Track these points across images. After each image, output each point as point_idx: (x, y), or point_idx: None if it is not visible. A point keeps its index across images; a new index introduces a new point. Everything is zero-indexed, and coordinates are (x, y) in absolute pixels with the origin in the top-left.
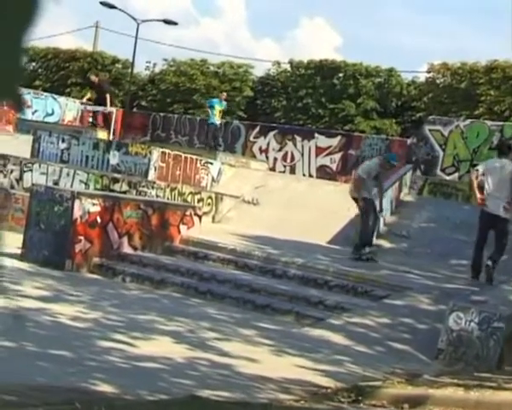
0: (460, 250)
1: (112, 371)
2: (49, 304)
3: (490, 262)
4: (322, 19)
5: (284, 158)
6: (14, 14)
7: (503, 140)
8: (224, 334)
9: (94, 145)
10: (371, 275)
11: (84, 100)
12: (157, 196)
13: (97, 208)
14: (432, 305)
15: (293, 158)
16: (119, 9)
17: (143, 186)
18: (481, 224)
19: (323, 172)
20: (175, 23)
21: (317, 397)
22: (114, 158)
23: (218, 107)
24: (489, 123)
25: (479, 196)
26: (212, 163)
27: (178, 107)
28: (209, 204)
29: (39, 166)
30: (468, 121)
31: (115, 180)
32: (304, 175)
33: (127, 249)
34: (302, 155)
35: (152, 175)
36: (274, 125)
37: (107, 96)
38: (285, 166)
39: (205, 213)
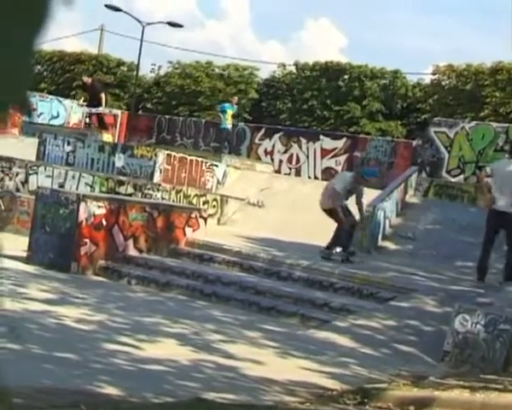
0: (466, 252)
1: (117, 374)
2: (55, 306)
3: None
4: (328, 20)
5: (289, 160)
6: (24, 16)
7: None
8: (230, 336)
9: (99, 148)
10: (377, 277)
11: (81, 102)
12: (162, 199)
13: (103, 211)
14: (438, 307)
15: (298, 160)
16: (124, 12)
17: (149, 189)
18: (489, 225)
19: (329, 175)
20: (180, 25)
21: (322, 399)
22: (120, 160)
23: (230, 111)
24: (494, 125)
25: (487, 195)
26: (217, 165)
27: (183, 109)
28: (214, 206)
29: (45, 168)
30: (473, 123)
31: (121, 183)
32: (309, 177)
33: (133, 252)
34: (307, 157)
35: (157, 177)
36: (279, 127)
37: (102, 96)
38: (290, 169)
39: (210, 216)
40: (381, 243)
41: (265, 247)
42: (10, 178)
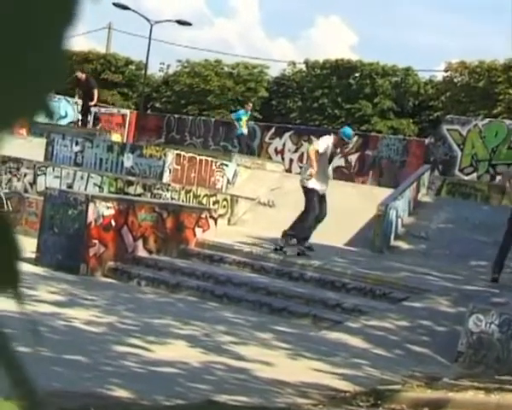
0: (479, 251)
1: (127, 376)
2: (64, 309)
3: None
4: (338, 17)
5: (300, 159)
6: (50, 12)
7: None
8: (241, 338)
9: (108, 148)
10: (389, 277)
11: (77, 99)
12: (172, 199)
13: (112, 212)
14: (451, 307)
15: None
16: (132, 10)
17: (158, 189)
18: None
19: (340, 173)
20: (189, 24)
21: (335, 401)
22: (128, 160)
23: (245, 117)
24: (507, 122)
25: None
26: (227, 165)
27: (193, 108)
28: (224, 206)
29: (53, 169)
30: (486, 120)
31: (130, 183)
32: None
33: (142, 253)
34: None
35: (167, 177)
36: (290, 125)
37: (95, 91)
38: (301, 168)
39: (220, 216)
40: (393, 242)
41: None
42: (18, 179)
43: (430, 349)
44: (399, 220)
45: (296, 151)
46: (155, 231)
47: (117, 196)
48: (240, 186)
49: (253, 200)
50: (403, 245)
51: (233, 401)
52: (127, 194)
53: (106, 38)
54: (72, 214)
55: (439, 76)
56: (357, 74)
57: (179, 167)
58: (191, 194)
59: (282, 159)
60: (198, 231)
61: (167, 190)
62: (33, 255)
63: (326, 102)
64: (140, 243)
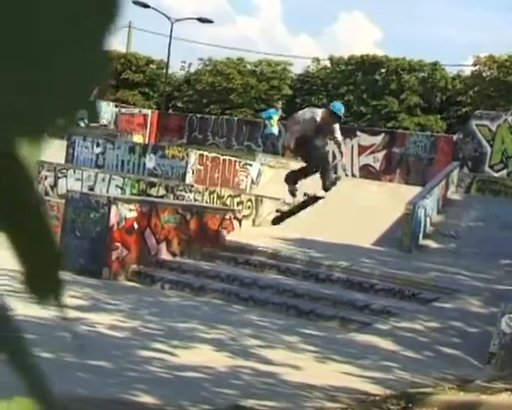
0: (510, 249)
1: (152, 382)
2: (87, 313)
3: None
4: (361, 13)
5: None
6: (93, 11)
7: None
8: (267, 341)
9: (130, 149)
10: (419, 277)
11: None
12: (195, 200)
13: (134, 214)
14: (483, 307)
15: (334, 157)
16: (153, 8)
17: (181, 190)
18: None
19: (366, 172)
20: (210, 21)
21: (365, 405)
22: (151, 162)
23: (276, 116)
24: None
25: None
26: (251, 165)
27: (215, 107)
28: (249, 207)
29: (74, 171)
30: None
31: (152, 184)
32: (346, 175)
33: (165, 255)
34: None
35: (190, 178)
36: None
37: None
38: None
39: (245, 217)
40: (422, 241)
41: (302, 248)
42: (39, 182)
43: (461, 351)
44: (428, 219)
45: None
46: (179, 233)
47: (139, 198)
48: (264, 186)
49: (277, 200)
50: (432, 244)
51: (260, 407)
52: (150, 196)
53: (126, 36)
54: (94, 217)
55: (467, 70)
56: (382, 70)
57: (202, 168)
58: (215, 195)
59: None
60: (222, 232)
61: (190, 191)
62: None
63: (351, 98)
64: (163, 245)
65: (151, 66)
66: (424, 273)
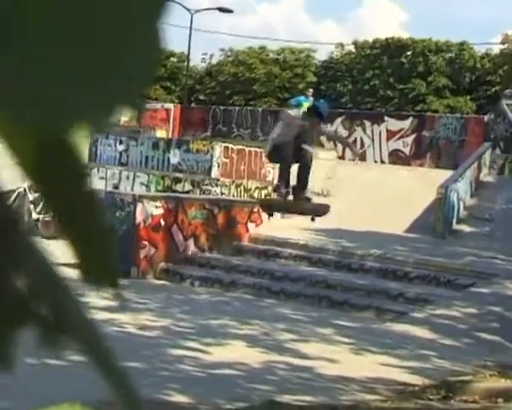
0: None
1: (186, 381)
2: (116, 314)
3: None
4: None
5: (354, 145)
6: (143, 5)
7: None
8: (301, 335)
9: (153, 145)
10: (454, 263)
11: None
12: (222, 194)
13: (160, 211)
14: None
15: (362, 144)
16: (171, 0)
17: (207, 184)
18: None
19: (396, 157)
20: (230, 11)
21: (404, 396)
22: (175, 157)
23: (306, 104)
24: None
25: None
26: None
27: (238, 98)
28: None
29: (98, 170)
30: None
31: (177, 180)
32: (375, 162)
33: (194, 252)
34: (372, 140)
35: (215, 172)
36: (341, 110)
37: None
38: None
39: None
40: (455, 226)
41: (333, 238)
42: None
43: (501, 336)
44: (461, 203)
45: (349, 137)
46: (206, 228)
47: (165, 195)
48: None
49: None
50: (466, 229)
51: (296, 401)
52: (175, 192)
53: None
54: (119, 216)
55: (496, 49)
56: (408, 53)
57: (228, 161)
58: (242, 188)
59: (335, 145)
60: (251, 226)
61: (216, 185)
62: None
63: (377, 83)
64: (191, 241)
65: (172, 59)
66: (459, 259)
